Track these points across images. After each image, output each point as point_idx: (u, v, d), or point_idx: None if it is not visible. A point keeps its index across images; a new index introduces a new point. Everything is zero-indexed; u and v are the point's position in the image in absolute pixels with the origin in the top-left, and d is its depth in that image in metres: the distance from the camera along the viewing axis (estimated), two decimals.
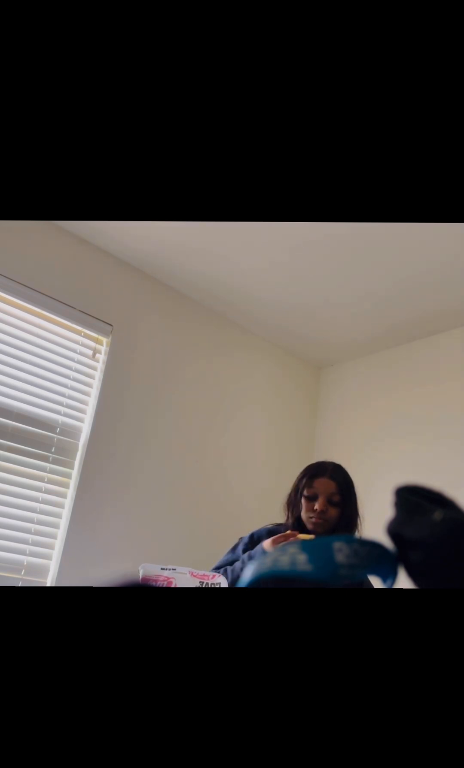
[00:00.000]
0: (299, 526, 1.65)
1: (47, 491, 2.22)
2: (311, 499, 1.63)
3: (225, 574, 1.58)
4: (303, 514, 1.64)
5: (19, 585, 2.07)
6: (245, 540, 1.72)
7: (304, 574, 0.58)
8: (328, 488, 1.63)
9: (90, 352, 2.48)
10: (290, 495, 1.70)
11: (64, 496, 2.27)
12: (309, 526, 1.63)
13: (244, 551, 1.68)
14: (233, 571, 1.59)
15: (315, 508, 1.61)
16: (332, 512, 1.62)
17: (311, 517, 1.61)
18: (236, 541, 1.77)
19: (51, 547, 2.19)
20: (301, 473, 1.71)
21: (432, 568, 0.58)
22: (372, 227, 2.27)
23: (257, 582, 0.62)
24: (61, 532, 2.22)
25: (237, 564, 1.61)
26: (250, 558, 1.59)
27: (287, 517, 1.70)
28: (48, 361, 2.34)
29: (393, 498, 0.63)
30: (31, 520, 2.16)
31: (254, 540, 1.70)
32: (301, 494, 1.65)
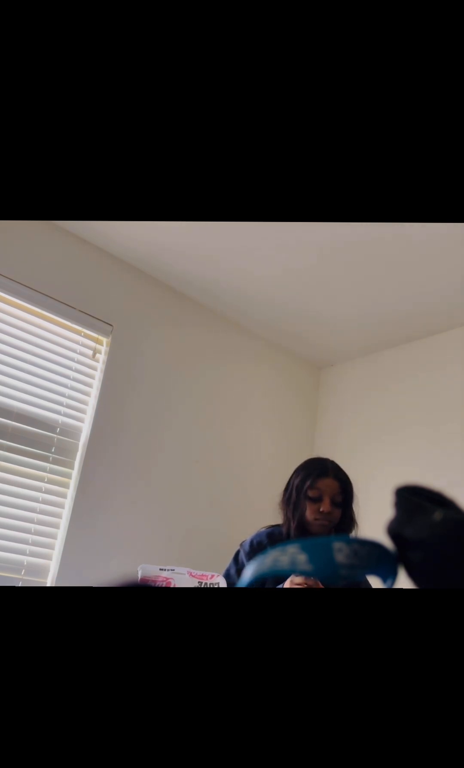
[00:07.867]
0: (301, 527, 1.61)
1: (47, 491, 2.22)
2: (316, 500, 1.59)
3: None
4: (309, 516, 1.59)
5: (19, 585, 2.07)
6: (247, 548, 1.68)
7: (304, 574, 0.58)
8: (332, 489, 1.59)
9: (90, 352, 2.48)
10: (289, 495, 1.65)
11: (64, 496, 2.27)
12: (315, 528, 1.59)
13: (247, 558, 1.65)
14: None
15: (322, 510, 1.58)
16: (336, 513, 1.59)
17: (317, 519, 1.58)
18: (234, 544, 1.74)
19: (51, 547, 2.19)
20: (301, 472, 1.66)
21: (432, 568, 0.58)
22: (373, 227, 2.26)
23: (258, 582, 0.62)
24: (61, 532, 2.22)
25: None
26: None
27: (286, 519, 1.65)
28: (48, 361, 2.34)
29: (393, 498, 0.63)
30: (31, 520, 2.16)
31: (254, 546, 1.66)
32: (304, 495, 1.61)
